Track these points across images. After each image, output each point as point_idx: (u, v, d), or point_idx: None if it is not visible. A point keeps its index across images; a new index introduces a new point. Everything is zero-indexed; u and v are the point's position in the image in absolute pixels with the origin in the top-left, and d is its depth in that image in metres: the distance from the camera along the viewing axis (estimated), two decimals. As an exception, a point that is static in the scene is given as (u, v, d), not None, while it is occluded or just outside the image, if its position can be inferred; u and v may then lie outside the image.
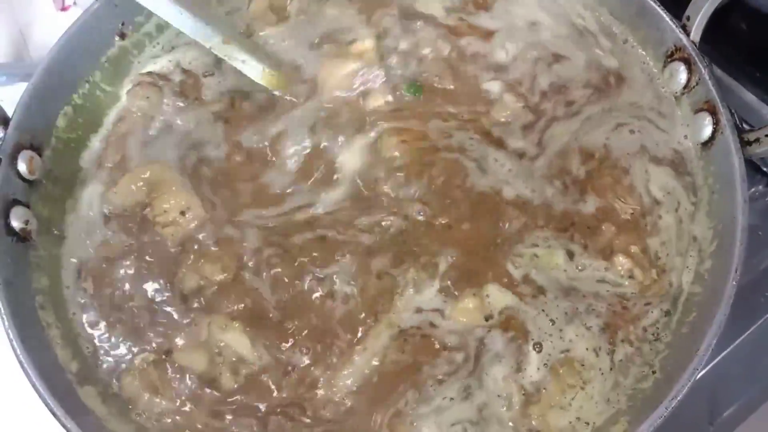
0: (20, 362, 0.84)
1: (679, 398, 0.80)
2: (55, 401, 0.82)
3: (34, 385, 0.83)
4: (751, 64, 1.18)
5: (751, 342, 1.06)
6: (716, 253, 0.93)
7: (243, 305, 0.93)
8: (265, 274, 0.94)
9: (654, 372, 0.89)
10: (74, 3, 1.43)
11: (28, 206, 0.95)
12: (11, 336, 0.85)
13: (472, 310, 0.91)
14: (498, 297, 0.92)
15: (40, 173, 0.98)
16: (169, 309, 0.94)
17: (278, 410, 0.89)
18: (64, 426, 0.81)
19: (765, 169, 1.15)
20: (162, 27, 1.12)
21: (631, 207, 0.97)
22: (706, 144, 0.99)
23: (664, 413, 0.80)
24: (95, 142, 1.06)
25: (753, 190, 1.14)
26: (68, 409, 0.82)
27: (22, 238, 0.93)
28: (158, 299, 0.94)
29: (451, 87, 1.06)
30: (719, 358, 1.04)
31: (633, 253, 0.94)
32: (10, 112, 0.96)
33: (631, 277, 0.94)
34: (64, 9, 1.43)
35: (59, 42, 1.01)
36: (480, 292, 0.92)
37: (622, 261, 0.94)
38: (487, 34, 1.09)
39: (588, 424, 0.87)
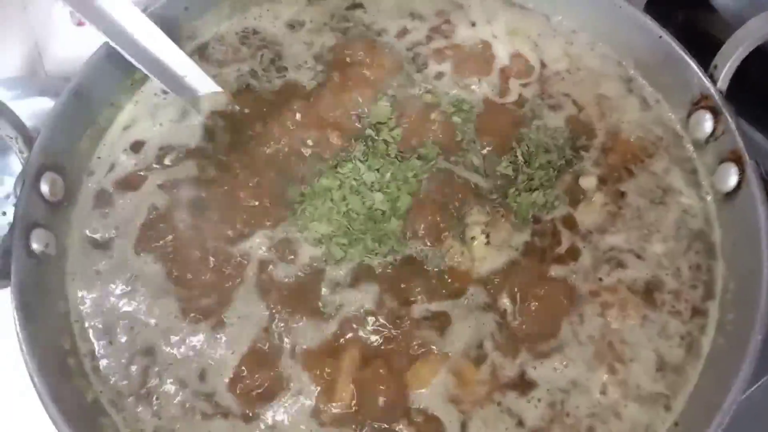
0: (36, 388, 0.83)
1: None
2: (71, 428, 0.81)
3: (49, 412, 0.82)
4: (772, 113, 1.19)
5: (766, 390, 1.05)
6: (739, 305, 0.92)
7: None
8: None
9: (677, 424, 0.89)
10: (92, 19, 1.42)
11: (49, 228, 0.94)
12: (27, 361, 0.83)
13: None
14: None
15: (62, 195, 0.97)
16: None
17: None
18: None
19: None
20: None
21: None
22: (730, 194, 0.98)
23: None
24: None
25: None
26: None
27: (42, 261, 0.92)
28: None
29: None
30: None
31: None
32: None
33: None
34: (80, 24, 1.42)
35: (87, 64, 1.01)
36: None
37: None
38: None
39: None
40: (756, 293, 0.88)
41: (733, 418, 0.87)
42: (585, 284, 0.96)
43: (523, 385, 0.90)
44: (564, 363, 0.91)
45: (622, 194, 1.03)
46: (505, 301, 0.95)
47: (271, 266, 0.96)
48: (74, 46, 1.06)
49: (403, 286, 0.95)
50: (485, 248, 0.97)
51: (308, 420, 0.88)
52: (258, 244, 0.98)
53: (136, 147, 1.05)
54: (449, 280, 0.96)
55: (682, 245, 1.00)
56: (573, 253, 0.98)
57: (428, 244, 0.98)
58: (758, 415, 1.03)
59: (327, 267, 0.96)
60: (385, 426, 0.88)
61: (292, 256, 0.97)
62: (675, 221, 1.01)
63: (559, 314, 0.94)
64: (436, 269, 0.96)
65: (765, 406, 1.03)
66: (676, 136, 1.08)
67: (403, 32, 1.16)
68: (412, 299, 0.95)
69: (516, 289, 0.95)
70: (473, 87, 1.11)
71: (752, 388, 1.03)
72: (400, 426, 0.88)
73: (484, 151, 1.05)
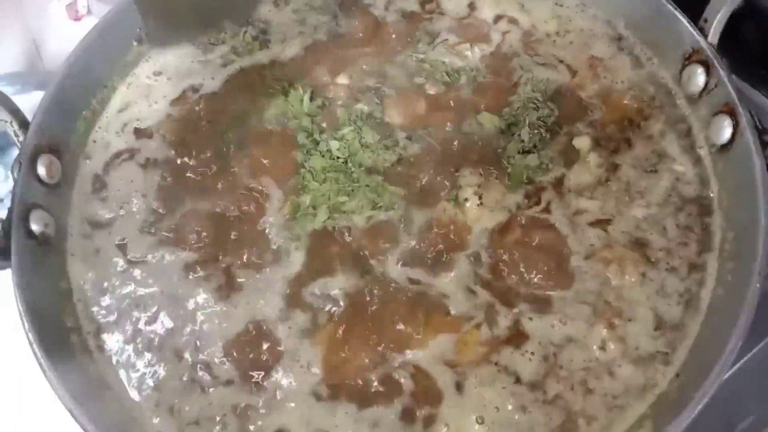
0: (41, 366, 0.83)
1: (705, 401, 0.79)
2: (76, 404, 0.81)
3: (55, 389, 0.82)
4: (764, 68, 1.18)
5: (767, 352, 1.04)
6: (738, 254, 0.92)
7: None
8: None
9: (678, 375, 0.89)
10: (88, 12, 1.43)
11: (47, 210, 0.95)
12: (31, 339, 0.84)
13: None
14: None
15: (59, 177, 0.98)
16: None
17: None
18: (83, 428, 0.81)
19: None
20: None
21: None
22: (725, 146, 0.98)
23: (690, 417, 0.79)
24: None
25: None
26: (89, 412, 0.81)
27: (41, 241, 0.93)
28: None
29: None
30: (735, 368, 1.00)
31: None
32: (26, 120, 0.97)
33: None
34: (77, 19, 1.44)
35: (79, 47, 1.02)
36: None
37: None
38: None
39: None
40: (754, 241, 0.88)
41: (733, 384, 0.88)
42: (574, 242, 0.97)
43: (518, 337, 0.91)
44: (560, 318, 0.92)
45: (617, 166, 1.03)
46: (497, 254, 0.96)
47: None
48: (71, 40, 1.07)
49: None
50: (478, 209, 0.98)
51: (307, 388, 0.89)
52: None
53: (131, 127, 1.07)
54: (443, 241, 0.97)
55: (668, 209, 0.99)
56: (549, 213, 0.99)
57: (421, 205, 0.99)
58: (748, 389, 1.03)
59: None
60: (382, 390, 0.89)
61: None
62: (666, 189, 1.01)
63: (550, 268, 0.94)
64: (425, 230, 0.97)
65: (753, 382, 1.03)
66: (670, 93, 1.07)
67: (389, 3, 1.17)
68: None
69: (506, 245, 0.96)
70: (466, 53, 1.11)
71: (752, 352, 1.03)
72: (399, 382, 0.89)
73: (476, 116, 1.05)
